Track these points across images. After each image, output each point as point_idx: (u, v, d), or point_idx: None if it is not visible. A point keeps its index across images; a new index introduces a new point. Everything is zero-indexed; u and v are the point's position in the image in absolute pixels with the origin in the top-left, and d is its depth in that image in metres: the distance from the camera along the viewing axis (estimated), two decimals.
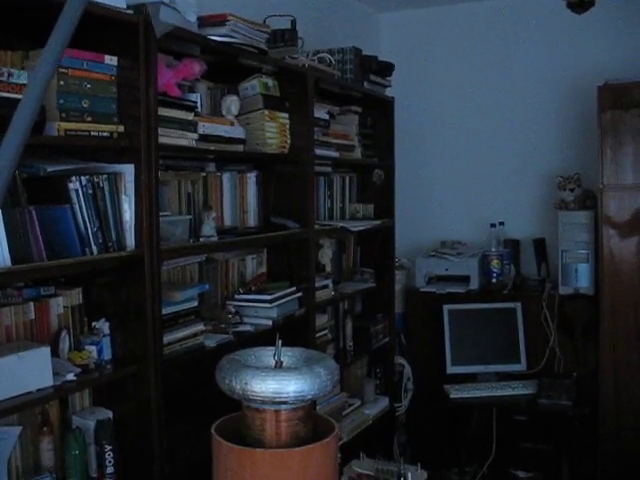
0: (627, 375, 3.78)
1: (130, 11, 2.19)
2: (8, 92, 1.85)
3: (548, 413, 3.82)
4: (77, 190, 2.10)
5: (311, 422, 1.59)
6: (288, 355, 1.63)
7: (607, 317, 3.82)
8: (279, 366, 1.57)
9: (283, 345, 1.63)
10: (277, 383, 1.43)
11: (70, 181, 2.09)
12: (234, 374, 1.47)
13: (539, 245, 4.43)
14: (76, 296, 2.31)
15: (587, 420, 3.83)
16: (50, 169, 2.09)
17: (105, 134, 2.16)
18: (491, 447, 4.00)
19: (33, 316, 2.16)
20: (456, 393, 3.92)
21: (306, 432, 1.57)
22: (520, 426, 3.96)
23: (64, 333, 2.21)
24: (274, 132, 2.98)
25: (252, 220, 3.14)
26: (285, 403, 1.47)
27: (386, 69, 3.94)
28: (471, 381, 4.03)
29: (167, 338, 2.39)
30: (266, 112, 2.93)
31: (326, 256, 3.65)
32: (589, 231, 4.03)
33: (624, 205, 3.79)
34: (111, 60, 2.18)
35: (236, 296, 2.98)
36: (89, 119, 2.11)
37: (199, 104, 2.65)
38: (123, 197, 2.23)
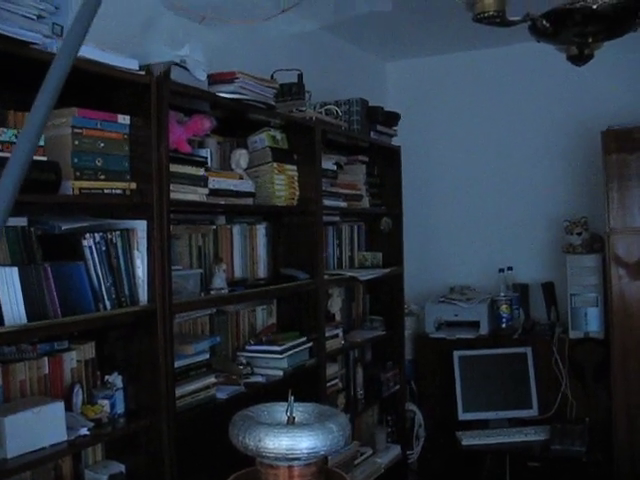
0: None
1: (142, 72, 2.26)
2: None
3: (562, 459, 3.79)
4: (91, 247, 2.14)
5: (323, 477, 1.60)
6: (300, 410, 1.64)
7: (618, 360, 3.81)
8: (291, 422, 1.59)
9: (295, 396, 1.64)
10: (290, 440, 1.45)
11: (84, 238, 2.14)
12: (247, 431, 1.48)
13: (548, 289, 4.43)
14: (89, 350, 2.33)
15: (601, 466, 3.78)
16: (65, 226, 2.14)
17: (118, 191, 2.21)
18: None
19: (47, 371, 2.18)
20: (468, 440, 3.90)
21: None
22: (534, 473, 3.92)
23: (77, 387, 2.23)
24: (283, 184, 3.02)
25: (262, 271, 3.17)
26: (298, 459, 1.48)
27: (392, 119, 4.01)
28: (483, 427, 4.01)
29: (179, 391, 2.41)
30: (275, 165, 2.99)
31: (336, 305, 3.66)
32: (597, 274, 4.04)
33: (632, 248, 3.80)
34: (124, 119, 2.24)
35: (247, 347, 3.00)
36: (102, 177, 2.16)
37: (209, 159, 2.71)
38: (136, 253, 2.27)
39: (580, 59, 2.31)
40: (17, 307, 1.91)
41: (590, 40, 2.16)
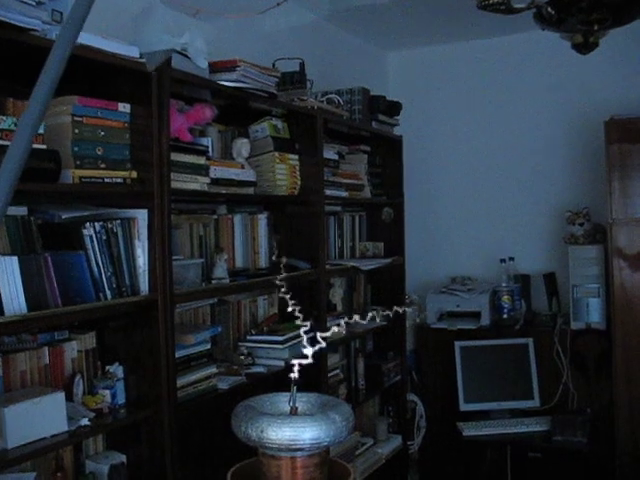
0: None
1: (143, 60, 2.23)
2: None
3: (563, 450, 3.79)
4: (91, 236, 2.13)
5: (326, 468, 1.59)
6: (303, 401, 1.62)
7: (620, 351, 3.80)
8: (294, 412, 1.57)
9: (296, 386, 1.63)
10: (293, 430, 1.43)
11: (84, 227, 2.12)
12: (250, 421, 1.46)
13: (549, 280, 4.42)
14: (90, 340, 2.32)
15: (603, 457, 3.79)
16: (65, 216, 2.12)
17: (119, 180, 2.19)
18: None
19: (47, 361, 2.17)
20: (469, 430, 3.89)
21: (322, 478, 1.56)
22: (535, 464, 3.92)
23: (78, 377, 2.22)
24: (284, 174, 3.01)
25: (263, 261, 3.15)
26: (301, 450, 1.47)
27: (394, 108, 3.98)
28: (484, 418, 4.00)
29: (180, 381, 2.40)
30: (276, 154, 2.97)
31: (337, 295, 3.66)
32: (599, 265, 4.02)
33: (634, 239, 3.79)
34: (124, 108, 2.21)
35: (248, 337, 2.99)
36: (103, 166, 2.14)
37: (210, 148, 2.69)
38: (136, 242, 2.25)
39: (585, 47, 2.29)
40: (17, 297, 1.90)
41: (596, 28, 2.13)
